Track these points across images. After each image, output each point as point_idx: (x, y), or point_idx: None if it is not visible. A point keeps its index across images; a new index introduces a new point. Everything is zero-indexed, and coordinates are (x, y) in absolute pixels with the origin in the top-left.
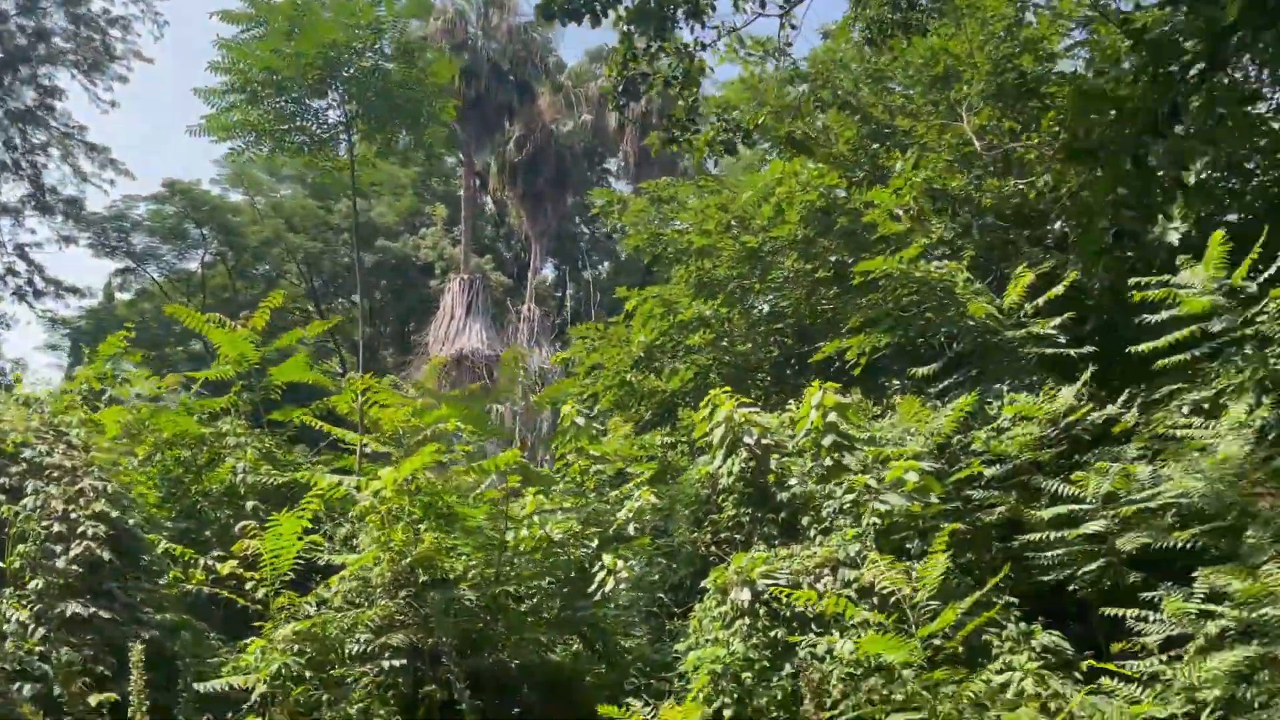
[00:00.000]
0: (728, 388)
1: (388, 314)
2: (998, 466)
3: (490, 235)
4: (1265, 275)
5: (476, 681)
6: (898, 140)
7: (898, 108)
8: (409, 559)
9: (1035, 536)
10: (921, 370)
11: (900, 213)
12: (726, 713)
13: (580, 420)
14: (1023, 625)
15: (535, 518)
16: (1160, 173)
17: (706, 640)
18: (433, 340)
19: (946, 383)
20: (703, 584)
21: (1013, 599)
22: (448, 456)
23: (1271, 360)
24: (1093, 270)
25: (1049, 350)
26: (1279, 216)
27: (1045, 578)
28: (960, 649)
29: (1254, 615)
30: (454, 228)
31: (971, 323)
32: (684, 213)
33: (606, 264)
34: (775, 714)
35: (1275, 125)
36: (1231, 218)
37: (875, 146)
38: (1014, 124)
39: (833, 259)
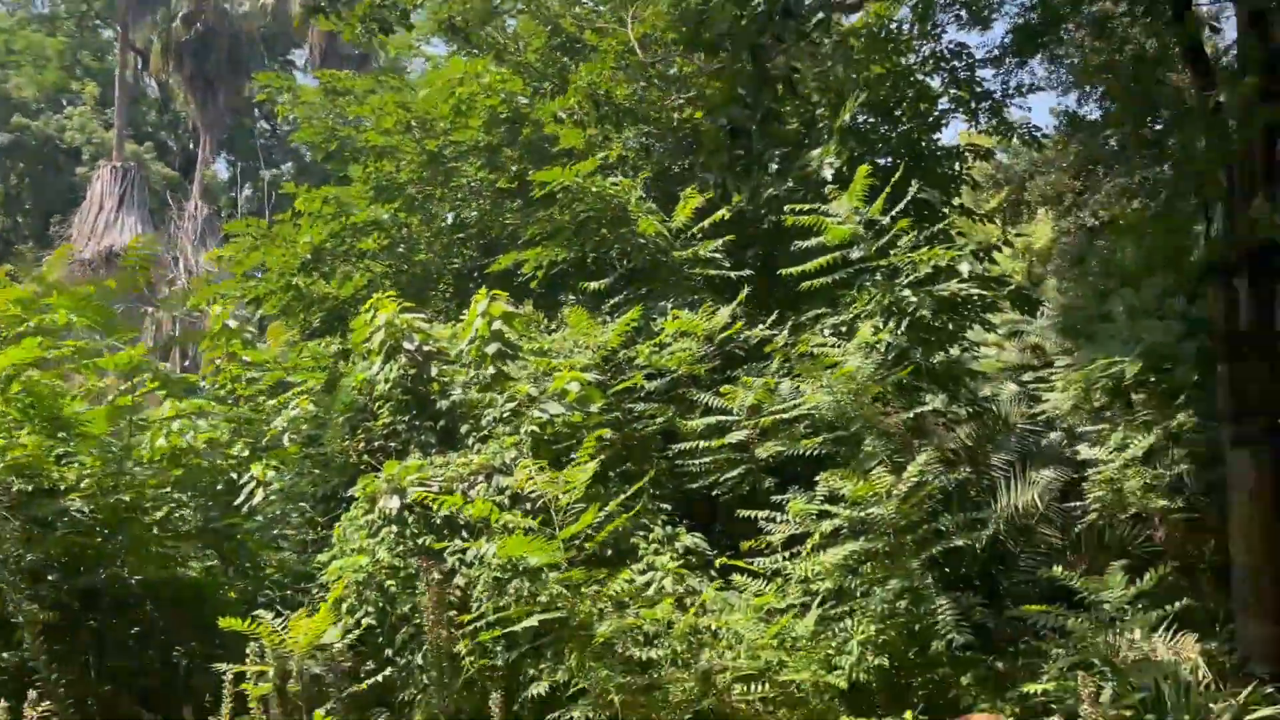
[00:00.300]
0: (392, 292)
1: (25, 202)
2: (659, 380)
3: (153, 122)
4: (897, 209)
5: (90, 600)
6: (586, 56)
7: (586, 21)
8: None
9: (688, 446)
10: (593, 285)
11: (564, 115)
12: (365, 620)
13: (232, 322)
14: (669, 529)
15: (174, 425)
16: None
17: (351, 550)
18: (78, 234)
19: (618, 299)
20: (350, 492)
21: (666, 505)
22: (53, 353)
23: (898, 289)
24: (710, 165)
25: (712, 271)
26: (917, 159)
27: (694, 485)
28: (608, 552)
29: (863, 514)
30: (108, 109)
31: (643, 240)
32: (361, 107)
33: (289, 164)
34: (418, 620)
35: (920, 77)
36: (883, 161)
37: (565, 60)
38: (675, 34)
39: (514, 169)
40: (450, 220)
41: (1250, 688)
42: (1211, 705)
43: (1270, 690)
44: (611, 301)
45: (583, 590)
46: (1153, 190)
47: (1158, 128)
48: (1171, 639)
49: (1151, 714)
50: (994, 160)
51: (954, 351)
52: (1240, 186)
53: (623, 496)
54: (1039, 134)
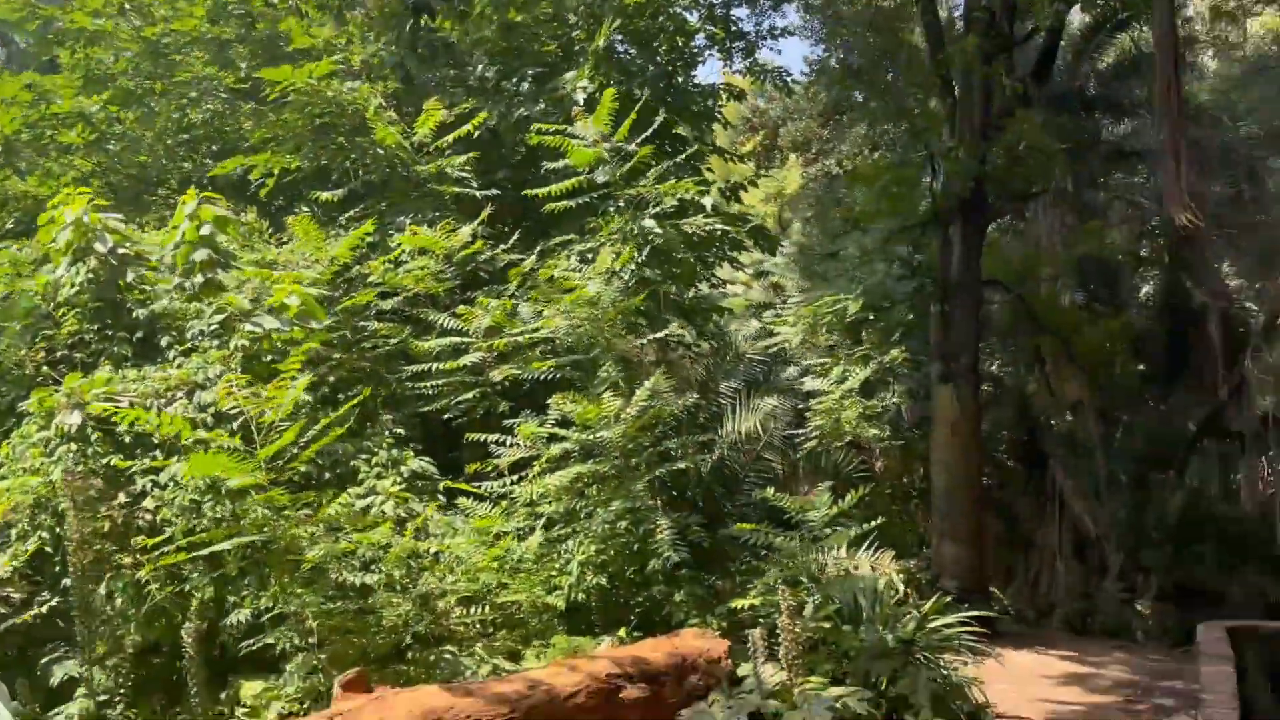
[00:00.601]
0: (87, 190)
1: None
2: (394, 298)
3: None
4: (643, 136)
5: None
6: None
7: None
8: None
9: (421, 368)
10: (326, 194)
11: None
12: (31, 546)
13: None
14: (395, 452)
15: None
16: None
17: (22, 470)
18: None
19: (354, 211)
20: (23, 406)
21: (400, 429)
22: None
23: (640, 218)
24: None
25: (457, 189)
26: (674, 94)
27: (427, 408)
28: (326, 475)
29: (593, 438)
30: None
31: (382, 152)
32: None
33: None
34: (100, 547)
35: (678, 10)
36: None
37: None
38: None
39: (244, 66)
40: (177, 118)
41: (934, 599)
42: (901, 614)
43: (949, 601)
44: (348, 214)
45: (288, 513)
46: (891, 142)
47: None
48: (873, 556)
49: (848, 624)
50: (751, 105)
51: (703, 288)
52: (960, 140)
53: (334, 415)
54: (789, 79)
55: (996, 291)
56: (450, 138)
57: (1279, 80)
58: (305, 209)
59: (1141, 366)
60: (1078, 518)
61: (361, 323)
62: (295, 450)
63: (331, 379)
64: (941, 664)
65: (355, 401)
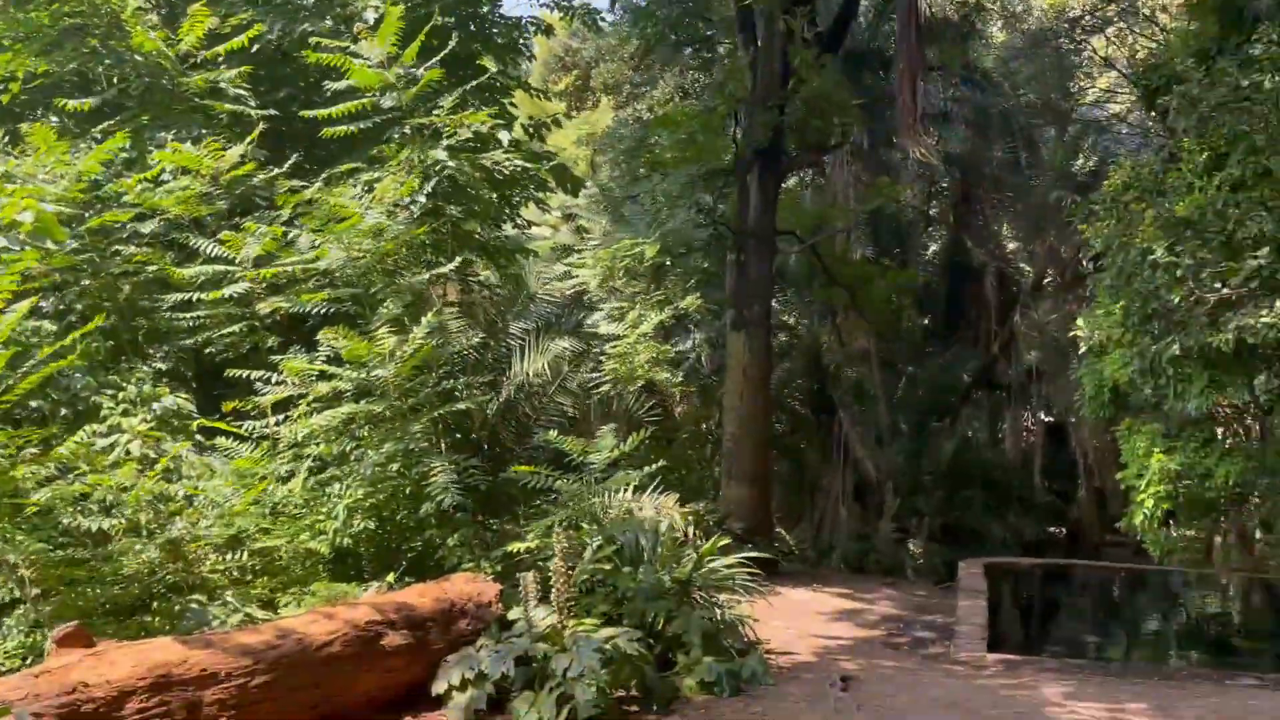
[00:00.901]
0: None
1: None
2: (153, 221)
3: None
4: (434, 61)
5: None
6: None
7: None
8: None
9: (183, 297)
10: (74, 104)
11: None
12: None
13: None
14: (146, 387)
15: None
16: None
17: None
18: None
19: (111, 124)
20: None
21: (167, 364)
22: None
23: (428, 148)
24: None
25: (230, 106)
26: (480, 24)
27: (188, 340)
28: (64, 412)
29: (367, 376)
30: None
31: (141, 59)
32: None
33: None
34: None
35: None
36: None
37: None
38: None
39: None
40: None
41: (713, 540)
42: (681, 555)
43: (731, 542)
44: (103, 126)
45: (4, 452)
46: (700, 89)
47: (709, 33)
48: (658, 499)
49: (629, 565)
50: (564, 43)
51: (508, 228)
52: (761, 90)
53: (59, 344)
54: (599, 17)
55: (792, 242)
56: (222, 49)
57: (1057, 53)
58: (57, 120)
59: (925, 321)
60: (861, 463)
61: (116, 247)
62: (11, 382)
63: (79, 306)
64: (717, 603)
65: (88, 329)
